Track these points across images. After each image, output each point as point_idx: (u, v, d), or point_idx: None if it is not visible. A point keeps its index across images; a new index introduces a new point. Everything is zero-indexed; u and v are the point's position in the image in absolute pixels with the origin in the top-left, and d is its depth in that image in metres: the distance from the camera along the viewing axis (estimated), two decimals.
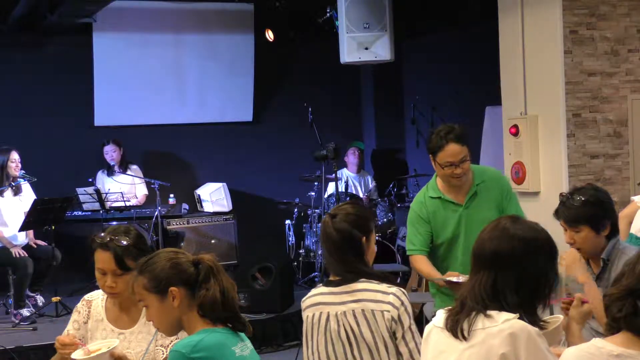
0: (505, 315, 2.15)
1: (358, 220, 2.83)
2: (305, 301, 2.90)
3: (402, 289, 2.80)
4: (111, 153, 7.89)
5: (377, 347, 2.73)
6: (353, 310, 2.75)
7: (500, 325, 2.14)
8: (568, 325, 2.61)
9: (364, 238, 2.82)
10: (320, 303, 2.84)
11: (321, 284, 2.92)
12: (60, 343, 2.66)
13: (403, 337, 2.72)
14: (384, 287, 2.76)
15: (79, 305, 2.92)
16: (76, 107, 8.38)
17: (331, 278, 2.85)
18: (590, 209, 3.05)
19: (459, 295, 2.28)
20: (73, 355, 2.57)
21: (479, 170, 3.93)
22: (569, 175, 5.48)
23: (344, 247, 2.79)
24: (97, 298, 2.92)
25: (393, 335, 2.73)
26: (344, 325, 2.77)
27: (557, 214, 3.16)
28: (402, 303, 2.73)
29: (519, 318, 2.15)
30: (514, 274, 2.19)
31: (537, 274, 2.22)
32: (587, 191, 3.11)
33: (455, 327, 2.21)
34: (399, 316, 2.72)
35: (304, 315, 2.89)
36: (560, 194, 3.19)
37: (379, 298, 2.73)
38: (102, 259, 2.76)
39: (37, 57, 8.26)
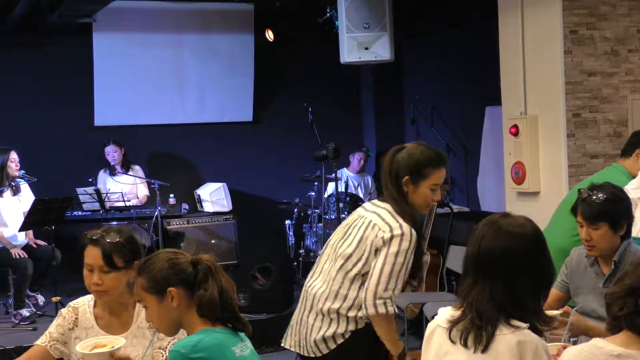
0: (516, 323, 2.10)
1: (410, 161, 3.06)
2: None
3: (414, 229, 2.99)
4: (112, 154, 7.88)
5: (357, 250, 3.00)
6: (365, 217, 3.07)
7: (510, 335, 2.09)
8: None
9: (406, 178, 3.04)
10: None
11: None
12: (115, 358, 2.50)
13: (381, 254, 2.94)
14: (399, 219, 2.99)
15: (64, 310, 2.86)
16: (76, 107, 8.39)
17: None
18: (612, 207, 3.03)
19: (465, 301, 2.18)
20: (77, 347, 2.54)
21: None
22: (569, 175, 5.47)
23: (390, 177, 3.10)
24: (83, 304, 2.86)
25: (375, 252, 2.96)
26: (350, 221, 3.13)
27: (575, 210, 3.12)
28: (402, 234, 2.95)
29: (529, 327, 2.10)
30: (531, 276, 2.13)
31: (550, 270, 2.20)
32: (608, 189, 3.08)
33: (466, 337, 2.13)
34: (390, 238, 2.94)
35: None
36: (579, 191, 3.14)
37: (387, 219, 3.00)
38: (91, 255, 2.74)
39: (37, 57, 8.26)
